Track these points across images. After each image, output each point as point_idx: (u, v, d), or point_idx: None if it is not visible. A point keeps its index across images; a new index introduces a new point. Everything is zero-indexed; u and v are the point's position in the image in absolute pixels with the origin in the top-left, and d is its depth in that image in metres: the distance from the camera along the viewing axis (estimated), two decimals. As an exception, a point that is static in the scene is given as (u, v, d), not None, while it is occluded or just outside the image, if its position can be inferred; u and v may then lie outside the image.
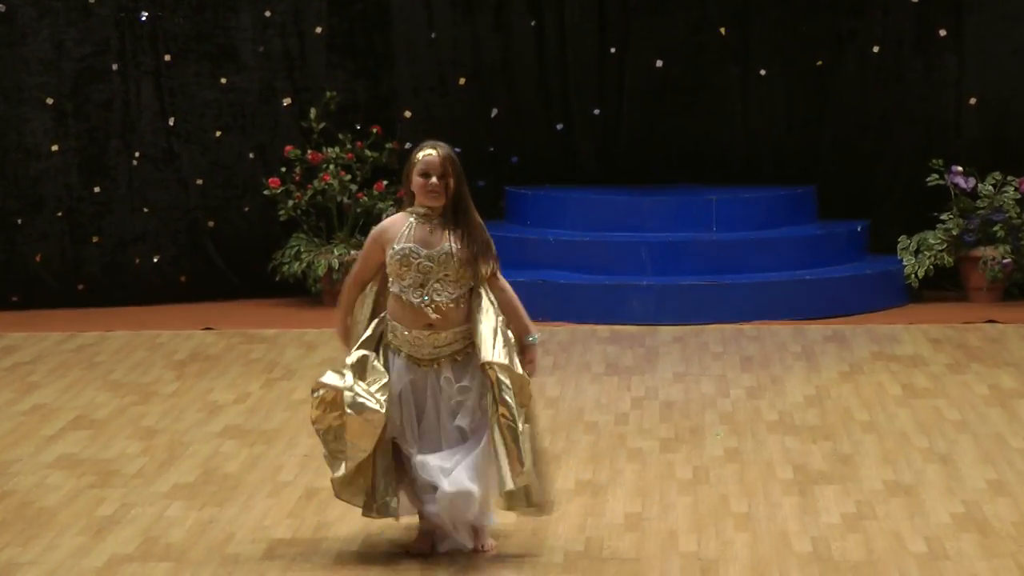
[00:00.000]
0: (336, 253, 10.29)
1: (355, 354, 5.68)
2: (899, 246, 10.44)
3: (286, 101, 10.70)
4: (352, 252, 10.08)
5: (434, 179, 5.63)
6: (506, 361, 5.57)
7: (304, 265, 10.31)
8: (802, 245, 10.31)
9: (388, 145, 10.57)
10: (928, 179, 10.45)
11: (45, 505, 6.39)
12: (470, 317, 5.64)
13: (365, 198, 10.43)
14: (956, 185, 10.39)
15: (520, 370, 5.60)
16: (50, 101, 10.55)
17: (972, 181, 10.39)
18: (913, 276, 10.27)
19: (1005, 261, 10.22)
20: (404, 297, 5.64)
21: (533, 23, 10.80)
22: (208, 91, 10.65)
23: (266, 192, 10.49)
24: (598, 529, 6.02)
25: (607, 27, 10.82)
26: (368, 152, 10.54)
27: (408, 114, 10.79)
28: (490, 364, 5.55)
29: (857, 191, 10.77)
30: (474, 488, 5.54)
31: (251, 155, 10.71)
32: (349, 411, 5.57)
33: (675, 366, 8.70)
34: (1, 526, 6.15)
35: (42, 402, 8.08)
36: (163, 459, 7.02)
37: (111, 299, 10.62)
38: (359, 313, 5.80)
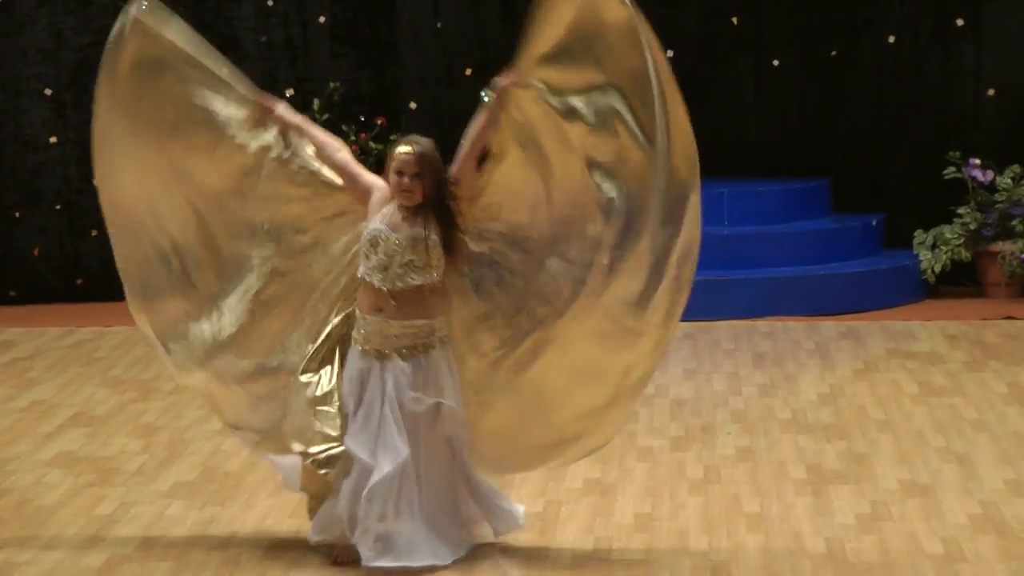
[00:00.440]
0: (340, 247, 10.29)
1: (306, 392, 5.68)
2: (915, 240, 10.43)
3: (289, 92, 10.70)
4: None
5: (406, 179, 5.59)
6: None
7: (307, 259, 10.32)
8: (816, 239, 10.30)
9: (393, 137, 10.54)
10: (945, 172, 10.43)
11: (43, 504, 6.40)
12: (430, 315, 5.62)
13: (370, 191, 10.43)
14: (974, 178, 10.37)
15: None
16: (48, 92, 10.56)
17: (990, 174, 10.37)
18: (929, 271, 10.26)
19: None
20: (367, 279, 5.61)
21: None
22: (209, 81, 10.65)
23: (269, 185, 10.50)
24: (607, 529, 6.02)
25: (617, 17, 10.80)
26: (373, 144, 10.54)
27: (413, 105, 10.79)
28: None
29: (872, 184, 10.76)
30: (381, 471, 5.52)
31: (253, 147, 10.70)
32: (324, 471, 5.60)
33: (686, 363, 8.69)
34: (-2, 525, 6.16)
35: (40, 399, 8.09)
36: (163, 457, 7.03)
37: (110, 294, 10.58)
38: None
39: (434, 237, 5.58)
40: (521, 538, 5.90)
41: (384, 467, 5.49)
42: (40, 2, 10.50)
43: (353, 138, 10.55)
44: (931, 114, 10.67)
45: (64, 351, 9.17)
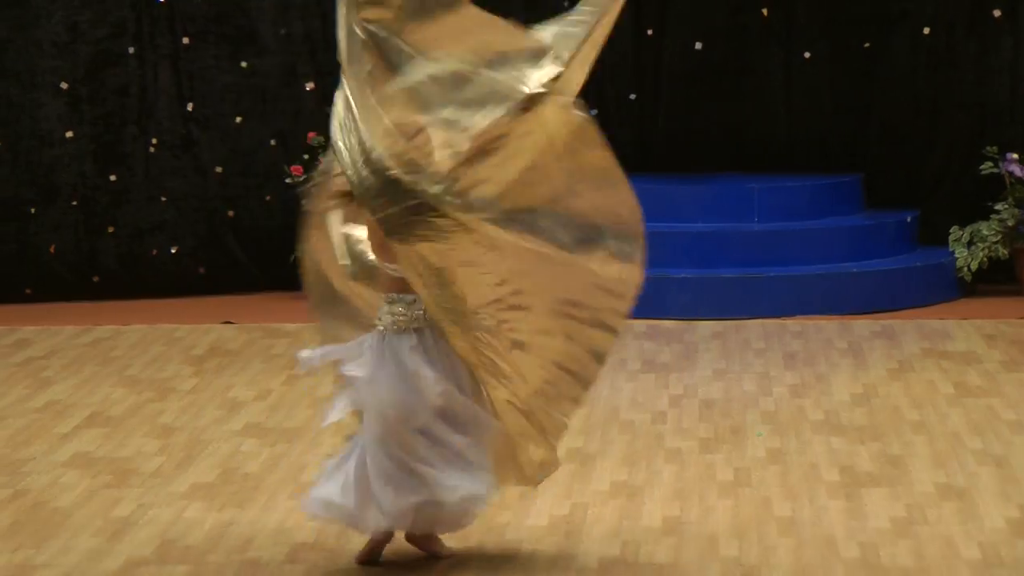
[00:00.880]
0: (361, 244, 10.30)
1: None
2: (951, 237, 10.40)
3: (309, 85, 10.71)
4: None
5: None
6: None
7: (328, 256, 10.33)
8: (848, 236, 10.28)
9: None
10: (981, 167, 10.40)
11: (59, 505, 6.42)
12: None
13: (391, 187, 10.43)
14: (1011, 173, 10.34)
15: None
16: (64, 86, 10.58)
17: (1028, 169, 10.35)
18: (965, 269, 10.23)
19: (1062, 253, 10.18)
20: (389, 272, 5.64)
21: (565, 3, 10.78)
22: (228, 75, 10.67)
23: (288, 180, 10.51)
24: (634, 533, 6.02)
25: (643, 8, 10.79)
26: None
27: (436, 99, 10.78)
28: None
29: (906, 180, 10.73)
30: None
31: (273, 142, 10.72)
32: None
33: (715, 363, 8.68)
34: (14, 527, 6.17)
35: (56, 398, 8.11)
36: (181, 458, 7.04)
37: (127, 292, 10.65)
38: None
39: None
40: (546, 542, 5.90)
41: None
42: (56, -6, 10.54)
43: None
44: (967, 108, 10.64)
45: (80, 350, 9.20)
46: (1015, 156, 10.35)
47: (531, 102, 5.40)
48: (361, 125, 5.34)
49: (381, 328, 5.60)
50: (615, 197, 5.67)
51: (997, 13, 10.55)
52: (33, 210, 10.61)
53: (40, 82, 10.57)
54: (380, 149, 5.33)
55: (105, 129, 10.65)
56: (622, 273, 5.67)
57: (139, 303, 10.49)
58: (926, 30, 10.63)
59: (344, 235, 5.76)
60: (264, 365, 8.75)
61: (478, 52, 5.48)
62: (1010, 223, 10.27)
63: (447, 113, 5.41)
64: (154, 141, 10.64)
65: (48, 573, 5.71)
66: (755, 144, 10.83)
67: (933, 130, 10.70)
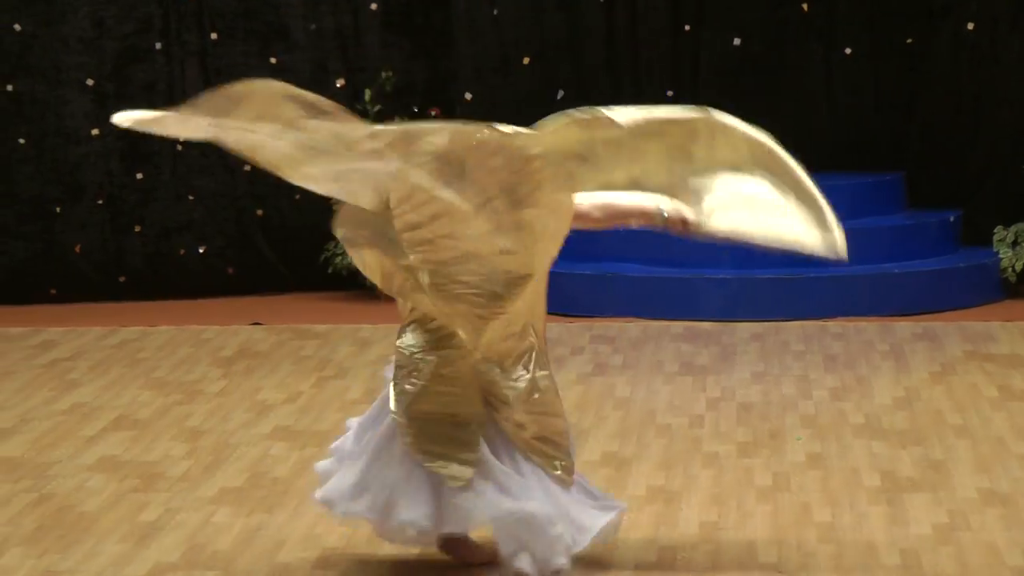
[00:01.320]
0: (392, 244, 10.31)
1: None
2: (995, 237, 10.37)
3: (339, 82, 10.74)
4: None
5: None
6: None
7: (358, 257, 10.34)
8: (890, 236, 10.25)
9: (447, 129, 10.58)
10: (1026, 165, 10.38)
11: (85, 510, 6.44)
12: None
13: (423, 185, 10.45)
14: (1057, 172, 10.32)
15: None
16: (90, 82, 10.63)
17: (1074, 168, 10.32)
18: (1010, 269, 10.20)
19: (1109, 254, 10.15)
20: None
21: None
22: (257, 71, 10.68)
23: (318, 179, 10.53)
24: (671, 539, 6.02)
25: (681, 2, 10.79)
26: (426, 136, 10.56)
27: (469, 96, 10.80)
28: None
29: (949, 178, 10.70)
30: None
31: (302, 140, 10.74)
32: None
33: (753, 365, 8.67)
34: (39, 531, 6.20)
35: (82, 401, 8.14)
36: (209, 462, 7.06)
37: (154, 292, 10.69)
38: None
39: None
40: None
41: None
42: (81, -11, 10.58)
43: (406, 130, 10.57)
44: (1011, 105, 10.60)
45: (106, 351, 9.23)
46: (1061, 154, 10.33)
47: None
48: None
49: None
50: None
51: (1043, 8, 10.53)
52: (58, 209, 10.66)
53: (65, 79, 10.62)
54: None
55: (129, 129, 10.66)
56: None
57: (166, 304, 10.53)
58: (970, 25, 10.60)
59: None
60: (293, 367, 8.78)
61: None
62: (1056, 223, 10.25)
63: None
64: (182, 139, 10.68)
65: (74, 578, 5.74)
66: (795, 142, 10.69)
67: (976, 127, 10.68)
